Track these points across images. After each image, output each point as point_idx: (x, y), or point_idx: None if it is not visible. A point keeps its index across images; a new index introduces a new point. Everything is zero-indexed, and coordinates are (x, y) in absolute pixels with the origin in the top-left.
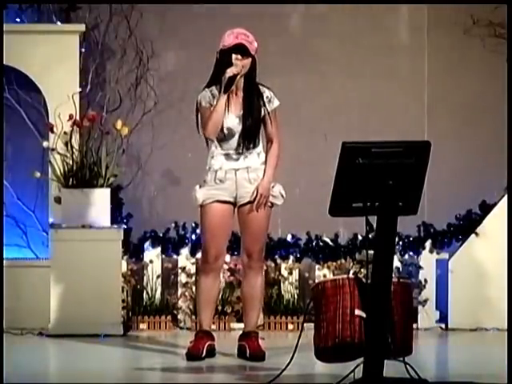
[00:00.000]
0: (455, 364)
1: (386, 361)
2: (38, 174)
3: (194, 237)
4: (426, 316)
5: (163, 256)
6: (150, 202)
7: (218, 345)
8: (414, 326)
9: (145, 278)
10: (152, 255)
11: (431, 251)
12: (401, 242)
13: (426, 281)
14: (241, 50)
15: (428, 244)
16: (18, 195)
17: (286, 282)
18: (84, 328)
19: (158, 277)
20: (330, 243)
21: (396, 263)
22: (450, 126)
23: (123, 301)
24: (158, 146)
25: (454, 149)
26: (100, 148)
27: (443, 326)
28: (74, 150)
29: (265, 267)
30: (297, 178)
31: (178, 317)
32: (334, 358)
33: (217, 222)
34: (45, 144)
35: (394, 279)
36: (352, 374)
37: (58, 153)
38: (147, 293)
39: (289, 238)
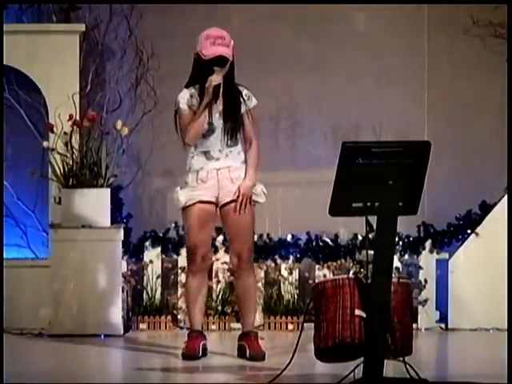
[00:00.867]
0: (455, 364)
1: (386, 361)
2: (38, 174)
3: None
4: (426, 316)
5: (163, 256)
6: (150, 202)
7: (218, 345)
8: (414, 326)
9: (145, 278)
10: (152, 255)
11: (431, 251)
12: (401, 242)
13: (425, 281)
14: (218, 60)
15: (428, 244)
16: (18, 195)
17: (286, 282)
18: (84, 328)
19: (158, 277)
20: (330, 243)
21: (396, 263)
22: (450, 126)
23: (123, 301)
24: (157, 146)
25: (453, 149)
26: (100, 148)
27: (443, 325)
28: (74, 150)
29: (265, 267)
30: (297, 177)
31: (178, 317)
32: (334, 358)
33: (201, 223)
34: (45, 144)
35: (394, 279)
36: (352, 374)
37: (58, 153)
38: (147, 293)
39: (289, 238)
